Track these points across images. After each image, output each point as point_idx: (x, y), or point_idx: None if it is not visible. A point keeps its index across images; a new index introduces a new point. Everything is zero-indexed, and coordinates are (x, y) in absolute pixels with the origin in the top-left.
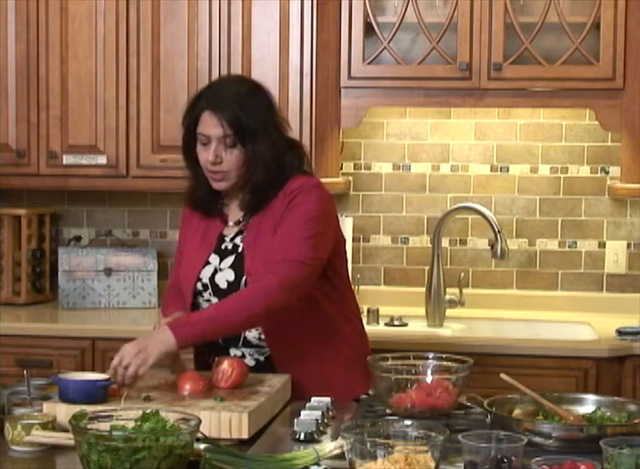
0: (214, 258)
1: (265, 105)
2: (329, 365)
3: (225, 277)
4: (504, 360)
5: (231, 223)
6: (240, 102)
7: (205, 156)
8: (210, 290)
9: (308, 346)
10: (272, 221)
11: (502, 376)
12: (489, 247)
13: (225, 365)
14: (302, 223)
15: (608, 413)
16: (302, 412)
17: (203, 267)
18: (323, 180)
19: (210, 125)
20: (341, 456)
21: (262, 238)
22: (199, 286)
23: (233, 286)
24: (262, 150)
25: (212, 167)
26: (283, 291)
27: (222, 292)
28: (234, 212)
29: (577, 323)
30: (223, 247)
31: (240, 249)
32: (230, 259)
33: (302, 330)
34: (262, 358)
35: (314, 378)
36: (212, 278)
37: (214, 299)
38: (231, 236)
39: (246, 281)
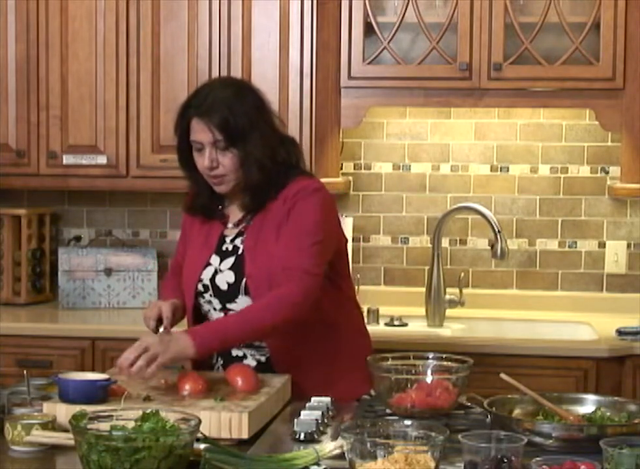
0: (214, 260)
1: (253, 104)
2: (330, 367)
3: (225, 279)
4: (504, 360)
5: (230, 225)
6: (227, 105)
7: (201, 161)
8: (210, 292)
9: (309, 349)
10: (273, 225)
11: (502, 376)
12: (489, 247)
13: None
14: (304, 232)
15: (608, 413)
16: (302, 412)
17: (204, 268)
18: (323, 180)
19: (200, 131)
20: (341, 456)
21: (262, 241)
22: (200, 287)
23: (233, 288)
24: (254, 150)
25: (210, 171)
26: (305, 302)
27: (222, 294)
28: (235, 213)
29: (577, 323)
30: (224, 248)
31: (240, 251)
32: (230, 260)
33: (303, 333)
34: (263, 359)
35: (315, 380)
36: (212, 279)
37: (215, 301)
38: (231, 237)
39: (246, 283)
